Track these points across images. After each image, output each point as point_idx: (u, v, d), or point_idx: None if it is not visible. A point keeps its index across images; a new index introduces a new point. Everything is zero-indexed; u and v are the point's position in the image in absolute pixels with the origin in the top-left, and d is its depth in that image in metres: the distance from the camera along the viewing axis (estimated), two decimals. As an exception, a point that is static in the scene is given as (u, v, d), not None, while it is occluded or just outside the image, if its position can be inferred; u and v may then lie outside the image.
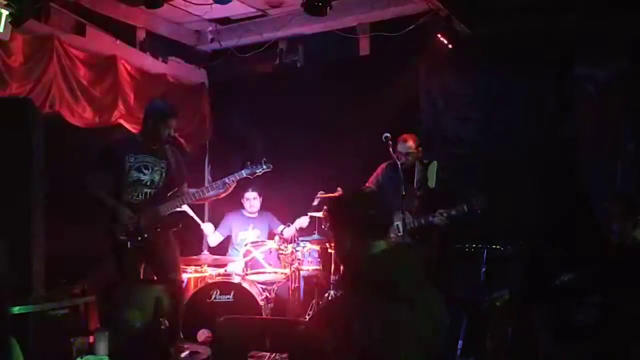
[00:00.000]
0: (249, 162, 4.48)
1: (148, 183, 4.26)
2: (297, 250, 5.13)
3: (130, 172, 4.20)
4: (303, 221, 5.41)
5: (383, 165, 4.87)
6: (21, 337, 2.30)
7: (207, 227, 5.55)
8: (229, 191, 4.45)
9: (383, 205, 2.12)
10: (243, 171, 4.45)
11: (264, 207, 5.79)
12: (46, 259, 3.94)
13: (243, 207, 5.76)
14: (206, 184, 4.94)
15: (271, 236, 5.63)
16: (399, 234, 4.32)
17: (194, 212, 5.26)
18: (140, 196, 4.24)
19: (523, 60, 5.08)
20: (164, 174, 4.33)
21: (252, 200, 5.67)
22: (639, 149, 4.65)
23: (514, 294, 3.97)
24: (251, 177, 4.52)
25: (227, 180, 4.39)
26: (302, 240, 5.28)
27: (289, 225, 5.52)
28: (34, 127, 3.83)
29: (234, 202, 5.69)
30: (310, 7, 4.51)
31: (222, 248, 5.78)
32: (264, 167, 4.48)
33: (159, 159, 4.32)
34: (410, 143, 4.71)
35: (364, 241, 2.06)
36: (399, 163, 4.36)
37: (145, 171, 4.25)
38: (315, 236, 5.39)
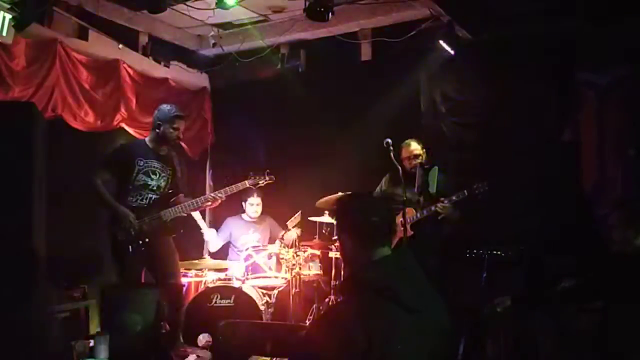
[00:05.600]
0: (251, 173, 4.54)
1: (154, 188, 4.30)
2: (298, 255, 5.13)
3: (137, 176, 4.23)
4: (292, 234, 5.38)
5: (387, 176, 4.92)
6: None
7: (209, 233, 5.55)
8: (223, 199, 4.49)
9: (386, 211, 2.12)
10: (246, 181, 4.52)
11: (264, 212, 5.79)
12: (47, 262, 3.94)
13: (243, 212, 5.77)
14: (207, 190, 4.97)
15: (272, 240, 5.64)
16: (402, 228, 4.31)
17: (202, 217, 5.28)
18: (144, 200, 4.27)
19: (524, 66, 5.09)
20: (169, 180, 4.38)
21: (255, 206, 5.69)
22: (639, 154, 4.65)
23: (515, 300, 3.96)
24: (253, 188, 4.61)
25: (229, 190, 4.44)
26: (303, 245, 5.28)
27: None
28: (36, 130, 3.83)
29: (235, 207, 5.70)
30: (312, 13, 4.52)
31: (222, 252, 5.78)
32: (267, 178, 4.56)
33: (166, 165, 4.37)
34: (414, 145, 4.76)
35: (366, 247, 2.06)
36: (400, 168, 4.36)
37: (153, 176, 4.29)
38: (316, 241, 5.39)
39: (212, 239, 5.59)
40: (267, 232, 5.75)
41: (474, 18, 5.14)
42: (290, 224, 5.35)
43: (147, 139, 4.43)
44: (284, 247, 5.17)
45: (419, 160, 4.72)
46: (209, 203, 4.44)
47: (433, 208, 4.55)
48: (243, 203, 5.73)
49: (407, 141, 4.80)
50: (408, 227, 4.43)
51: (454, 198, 4.50)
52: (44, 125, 4.07)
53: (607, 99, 4.80)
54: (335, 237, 5.13)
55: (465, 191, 4.49)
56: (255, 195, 5.62)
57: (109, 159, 4.32)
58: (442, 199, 4.53)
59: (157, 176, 4.31)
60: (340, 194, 4.90)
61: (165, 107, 4.38)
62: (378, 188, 4.98)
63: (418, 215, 4.57)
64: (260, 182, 4.57)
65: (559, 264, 4.39)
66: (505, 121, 5.19)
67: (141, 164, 4.25)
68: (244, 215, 5.78)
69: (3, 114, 3.82)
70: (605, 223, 3.98)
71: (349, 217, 2.12)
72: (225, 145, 6.57)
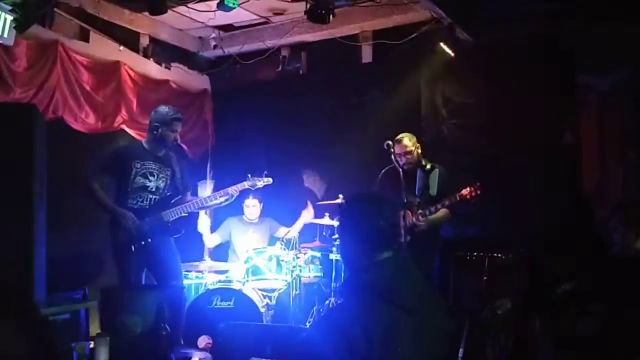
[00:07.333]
0: (249, 175, 4.55)
1: (153, 189, 4.30)
2: (298, 257, 5.13)
3: (135, 178, 4.24)
4: (307, 217, 5.39)
5: (381, 173, 4.87)
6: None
7: (203, 223, 5.46)
8: (231, 200, 4.50)
9: (391, 215, 2.11)
10: (245, 182, 4.53)
11: (265, 213, 5.79)
12: (47, 263, 3.94)
13: (244, 212, 5.77)
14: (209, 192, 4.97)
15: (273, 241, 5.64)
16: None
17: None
18: (144, 202, 4.27)
19: (524, 69, 5.09)
20: (168, 181, 4.37)
21: (251, 207, 5.68)
22: (640, 157, 4.66)
23: (515, 302, 3.96)
24: (252, 189, 4.62)
25: (229, 191, 4.45)
26: (303, 247, 5.28)
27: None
28: (37, 132, 3.84)
29: (235, 207, 5.69)
30: (313, 15, 4.52)
31: (222, 253, 5.78)
32: (264, 180, 4.57)
33: (165, 166, 4.37)
34: (405, 141, 4.65)
35: (369, 250, 2.06)
36: (400, 170, 4.35)
37: (151, 178, 4.29)
38: (317, 243, 5.39)
39: (207, 232, 5.53)
40: (267, 232, 5.75)
41: (475, 20, 5.15)
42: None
43: (144, 141, 4.44)
44: (285, 246, 5.17)
45: (410, 157, 4.64)
46: (209, 204, 4.45)
47: (427, 214, 4.46)
48: (243, 206, 5.73)
49: (399, 136, 4.65)
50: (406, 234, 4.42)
51: (446, 203, 4.45)
52: (45, 127, 4.08)
53: (607, 102, 4.80)
54: (336, 237, 5.13)
55: (457, 195, 4.40)
56: (251, 197, 5.60)
57: (105, 163, 4.32)
58: (419, 211, 4.44)
59: (155, 177, 4.31)
60: (341, 196, 4.92)
61: (163, 109, 4.36)
62: (374, 185, 4.93)
63: (420, 218, 4.54)
64: (258, 184, 4.58)
65: (560, 266, 4.39)
66: (505, 124, 5.20)
67: (138, 166, 4.25)
68: (243, 216, 5.78)
69: (4, 115, 3.83)
70: (606, 225, 3.98)
71: (354, 220, 2.11)
72: (226, 146, 6.57)
